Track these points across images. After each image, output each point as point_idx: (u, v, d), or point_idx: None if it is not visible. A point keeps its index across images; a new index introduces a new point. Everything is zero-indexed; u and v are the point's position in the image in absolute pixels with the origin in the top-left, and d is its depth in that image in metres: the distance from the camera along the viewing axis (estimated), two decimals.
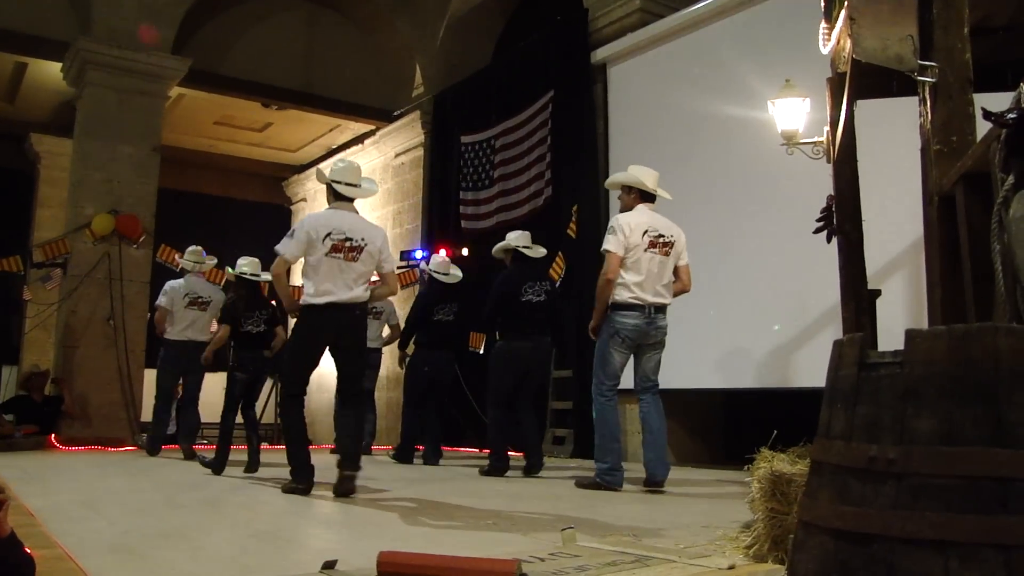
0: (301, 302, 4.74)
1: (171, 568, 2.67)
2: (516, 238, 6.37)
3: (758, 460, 2.84)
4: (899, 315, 5.38)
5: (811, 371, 5.84)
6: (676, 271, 5.22)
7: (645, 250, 5.03)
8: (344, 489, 4.59)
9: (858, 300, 3.58)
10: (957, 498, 1.23)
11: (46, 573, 2.43)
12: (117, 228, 9.44)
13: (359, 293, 4.72)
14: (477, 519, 3.77)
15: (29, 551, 2.13)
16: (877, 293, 3.79)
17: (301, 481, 4.68)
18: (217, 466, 5.97)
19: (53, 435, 8.72)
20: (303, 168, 14.35)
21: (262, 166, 14.55)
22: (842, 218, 3.61)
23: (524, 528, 3.45)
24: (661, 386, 5.28)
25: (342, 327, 4.71)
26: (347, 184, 4.84)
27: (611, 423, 5.13)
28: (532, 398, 6.39)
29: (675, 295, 5.23)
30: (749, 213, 6.74)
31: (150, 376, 10.12)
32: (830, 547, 1.34)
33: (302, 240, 4.66)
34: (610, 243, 5.03)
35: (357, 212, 4.93)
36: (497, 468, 6.18)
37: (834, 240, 3.74)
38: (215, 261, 8.01)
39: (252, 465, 6.01)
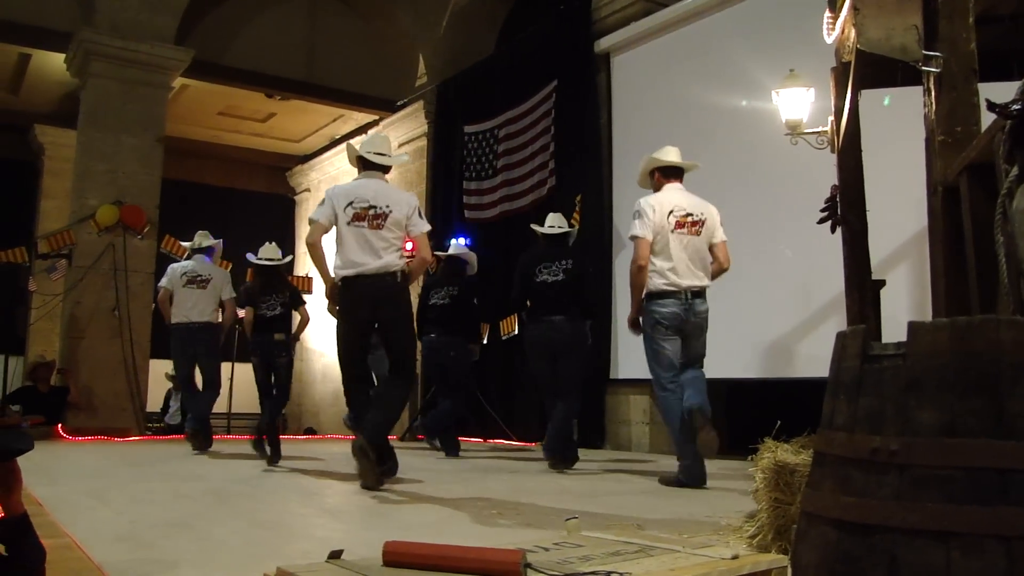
0: (334, 279, 4.54)
1: (177, 557, 2.69)
2: (548, 219, 6.20)
3: (762, 450, 2.85)
4: (903, 305, 5.38)
5: (815, 361, 5.85)
6: (712, 250, 4.93)
7: (672, 231, 4.77)
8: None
9: (862, 290, 3.57)
10: (959, 489, 1.24)
11: (55, 562, 2.45)
12: (121, 219, 9.48)
13: (391, 260, 4.47)
14: (481, 510, 3.78)
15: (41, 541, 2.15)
16: (881, 283, 3.79)
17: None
18: (273, 456, 5.79)
19: (59, 425, 8.77)
20: (306, 158, 14.35)
21: (265, 156, 14.53)
22: (846, 208, 3.60)
23: (528, 519, 3.46)
24: None
25: (378, 299, 4.46)
26: (375, 153, 4.72)
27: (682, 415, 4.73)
28: (571, 385, 5.86)
29: (713, 276, 4.96)
30: (753, 203, 6.74)
31: (155, 366, 10.17)
32: (832, 537, 1.35)
33: (330, 207, 4.52)
34: (636, 228, 4.79)
35: (385, 181, 4.78)
36: (570, 456, 5.76)
37: (838, 230, 3.74)
38: (220, 241, 7.60)
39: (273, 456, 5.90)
